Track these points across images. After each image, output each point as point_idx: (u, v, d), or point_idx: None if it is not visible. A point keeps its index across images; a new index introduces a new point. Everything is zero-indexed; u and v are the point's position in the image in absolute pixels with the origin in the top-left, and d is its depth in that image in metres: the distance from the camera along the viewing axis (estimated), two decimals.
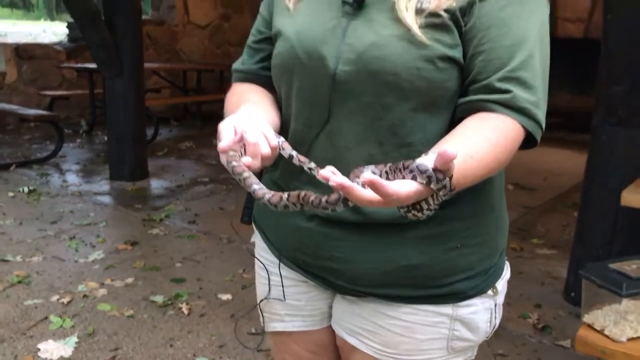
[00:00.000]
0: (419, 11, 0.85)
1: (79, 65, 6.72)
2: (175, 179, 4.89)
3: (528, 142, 0.87)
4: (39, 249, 3.29)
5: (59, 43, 7.97)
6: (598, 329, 1.60)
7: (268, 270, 1.10)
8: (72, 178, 4.81)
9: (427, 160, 0.69)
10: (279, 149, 0.84)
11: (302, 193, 0.74)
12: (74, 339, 2.36)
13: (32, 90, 7.13)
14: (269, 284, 1.10)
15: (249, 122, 0.83)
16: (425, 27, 0.85)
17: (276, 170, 1.03)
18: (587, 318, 1.63)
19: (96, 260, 3.16)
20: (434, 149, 0.75)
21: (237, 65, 1.10)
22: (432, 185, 0.68)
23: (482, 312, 0.96)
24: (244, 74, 1.07)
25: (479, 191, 0.92)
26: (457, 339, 0.96)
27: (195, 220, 3.88)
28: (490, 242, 0.97)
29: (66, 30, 8.16)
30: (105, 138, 6.32)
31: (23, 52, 7.10)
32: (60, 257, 3.18)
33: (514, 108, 0.84)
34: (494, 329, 1.01)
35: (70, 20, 8.86)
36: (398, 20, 0.86)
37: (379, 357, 0.98)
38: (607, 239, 2.60)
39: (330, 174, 0.66)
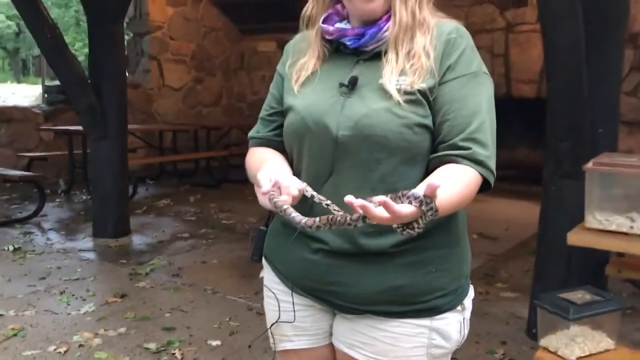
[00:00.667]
0: (397, 91, 1.14)
1: (60, 127, 6.91)
2: (156, 235, 5.07)
3: (486, 185, 1.15)
4: (31, 303, 3.42)
5: (37, 106, 8.18)
6: (552, 350, 1.86)
7: (278, 298, 1.33)
8: (55, 236, 4.94)
9: (419, 190, 0.95)
10: (304, 190, 1.11)
11: (330, 216, 0.99)
12: None
13: (9, 151, 7.27)
14: (279, 310, 1.33)
15: (279, 173, 1.09)
16: (405, 102, 1.14)
17: None
18: (542, 342, 1.90)
19: (88, 312, 3.31)
20: (420, 185, 1.01)
21: (253, 133, 1.36)
22: (423, 207, 0.94)
23: (453, 324, 1.22)
24: (260, 139, 1.34)
25: (447, 228, 1.20)
26: (435, 346, 1.21)
27: (179, 273, 4.05)
28: (458, 268, 1.23)
29: (36, 93, 8.40)
30: (84, 197, 6.52)
31: (1, 115, 7.27)
32: (52, 311, 3.31)
33: (473, 160, 1.12)
34: (464, 339, 1.26)
35: (47, 84, 9.13)
36: (383, 97, 1.15)
37: None
38: (562, 279, 2.90)
39: (353, 199, 0.92)
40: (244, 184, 7.68)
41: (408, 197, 0.95)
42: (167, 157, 7.95)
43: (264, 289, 1.39)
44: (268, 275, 1.38)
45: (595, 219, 2.10)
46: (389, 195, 0.96)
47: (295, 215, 1.02)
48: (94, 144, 4.79)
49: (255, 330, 3.13)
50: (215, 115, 10.03)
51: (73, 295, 3.56)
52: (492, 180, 1.14)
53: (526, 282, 3.83)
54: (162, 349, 2.88)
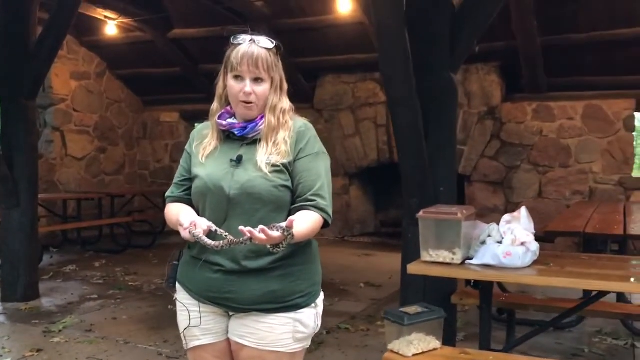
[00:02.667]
0: (267, 165, 1.77)
1: None
2: (65, 297, 5.33)
3: (326, 223, 1.79)
4: None
5: None
6: (396, 351, 2.50)
7: (189, 310, 1.87)
8: None
9: (283, 224, 1.56)
10: (211, 227, 1.68)
11: (229, 239, 1.57)
12: None
13: None
14: (190, 319, 1.87)
15: (194, 216, 1.67)
16: (272, 172, 1.76)
17: (194, 249, 1.85)
18: (389, 346, 2.54)
19: None
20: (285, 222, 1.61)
21: (169, 193, 1.94)
22: (285, 234, 1.54)
23: (310, 316, 1.82)
24: (175, 197, 1.91)
25: (304, 252, 1.82)
26: (298, 332, 1.80)
27: (92, 329, 4.38)
28: (312, 278, 1.84)
29: None
30: None
31: None
32: None
33: (318, 208, 1.76)
34: (318, 328, 1.86)
35: None
36: (259, 169, 1.77)
37: (257, 347, 1.78)
38: None
39: (244, 228, 1.51)
40: (148, 249, 8.02)
41: (276, 227, 1.56)
42: (71, 224, 8.11)
43: (178, 305, 1.92)
44: (181, 295, 1.92)
45: (428, 254, 2.80)
46: (266, 226, 1.56)
47: (208, 241, 1.60)
48: (6, 212, 5.06)
49: None
50: (118, 184, 10.32)
51: None
52: (330, 220, 1.79)
53: None
54: None
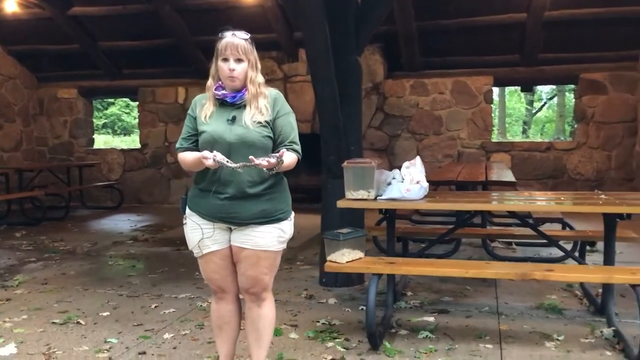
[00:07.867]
0: (253, 122, 2.59)
1: None
2: (4, 262, 5.72)
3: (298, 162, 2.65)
4: None
5: None
6: (333, 260, 3.43)
7: (202, 227, 2.64)
8: None
9: (277, 154, 2.39)
10: (224, 158, 2.46)
11: (243, 163, 2.36)
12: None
13: None
14: (203, 233, 2.65)
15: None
16: (259, 126, 2.58)
17: (202, 183, 2.63)
18: (328, 258, 3.46)
19: None
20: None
21: (179, 145, 2.68)
22: (278, 160, 2.37)
23: (287, 226, 2.67)
24: (186, 148, 2.66)
25: (281, 184, 2.68)
26: (281, 237, 2.65)
27: (47, 282, 4.90)
28: (287, 201, 2.70)
29: None
30: None
31: None
32: None
33: (294, 150, 2.61)
34: (292, 234, 2.73)
35: None
36: (249, 125, 2.58)
37: (253, 248, 2.61)
38: None
39: (253, 158, 2.33)
40: (63, 220, 8.33)
41: (272, 156, 2.39)
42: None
43: (190, 224, 2.66)
44: (194, 218, 2.68)
45: (350, 193, 3.73)
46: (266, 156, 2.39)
47: (230, 163, 2.38)
48: None
49: (131, 304, 4.24)
50: (16, 160, 10.35)
51: None
52: (300, 158, 2.64)
53: (315, 260, 5.46)
54: (67, 321, 3.86)
